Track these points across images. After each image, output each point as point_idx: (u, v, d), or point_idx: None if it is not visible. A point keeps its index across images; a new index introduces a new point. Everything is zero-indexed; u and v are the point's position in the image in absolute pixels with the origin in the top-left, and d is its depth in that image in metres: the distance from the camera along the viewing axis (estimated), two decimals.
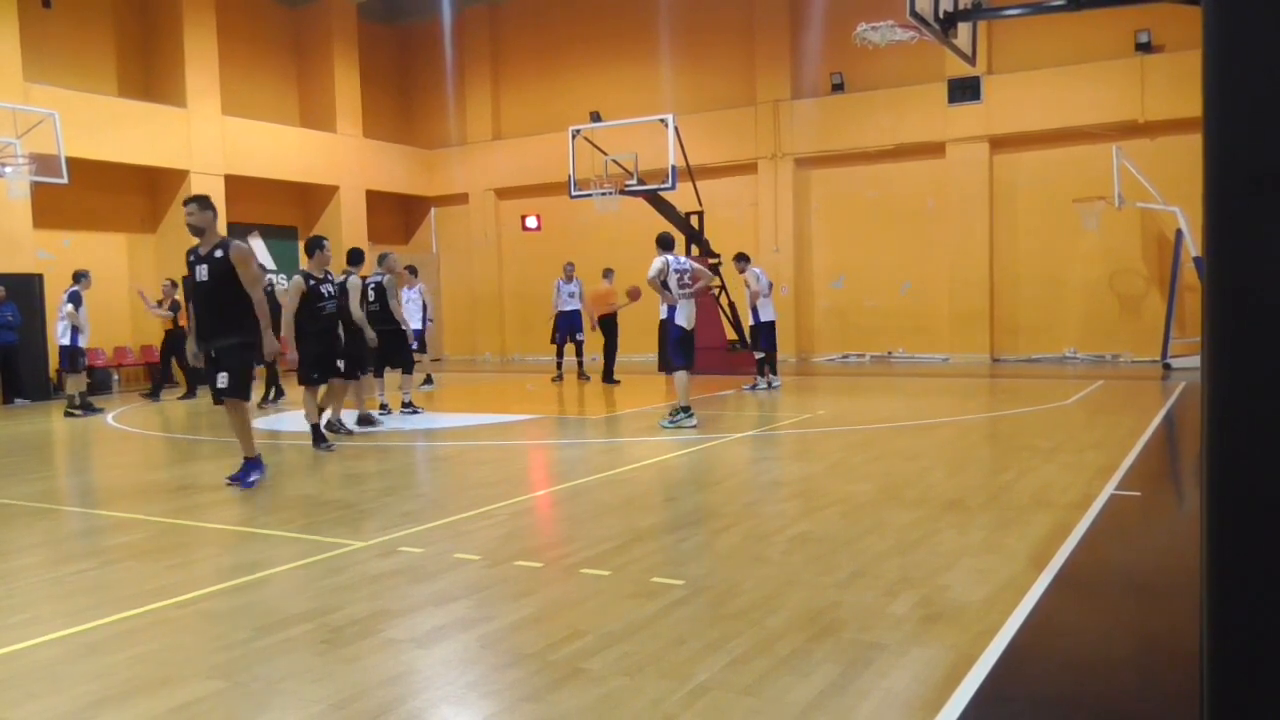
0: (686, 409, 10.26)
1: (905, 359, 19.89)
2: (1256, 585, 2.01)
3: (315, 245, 9.58)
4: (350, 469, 8.40)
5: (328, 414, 10.07)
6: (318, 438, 9.35)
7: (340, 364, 9.66)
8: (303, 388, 9.44)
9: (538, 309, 23.08)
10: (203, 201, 7.36)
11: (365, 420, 11.09)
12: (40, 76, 17.07)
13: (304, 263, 9.96)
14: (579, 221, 21.58)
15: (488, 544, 5.53)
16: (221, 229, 19.19)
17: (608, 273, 16.54)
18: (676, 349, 10.37)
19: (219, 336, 7.27)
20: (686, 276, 10.37)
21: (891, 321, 20.14)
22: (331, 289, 9.54)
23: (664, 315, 10.52)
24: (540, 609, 4.34)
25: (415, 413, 12.02)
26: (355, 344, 10.56)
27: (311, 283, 9.33)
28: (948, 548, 5.16)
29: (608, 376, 16.05)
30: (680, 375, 10.33)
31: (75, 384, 13.88)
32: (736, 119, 21.16)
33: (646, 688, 3.38)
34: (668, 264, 10.25)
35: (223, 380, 7.27)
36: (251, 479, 7.43)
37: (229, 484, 7.44)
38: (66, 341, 13.92)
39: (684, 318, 10.32)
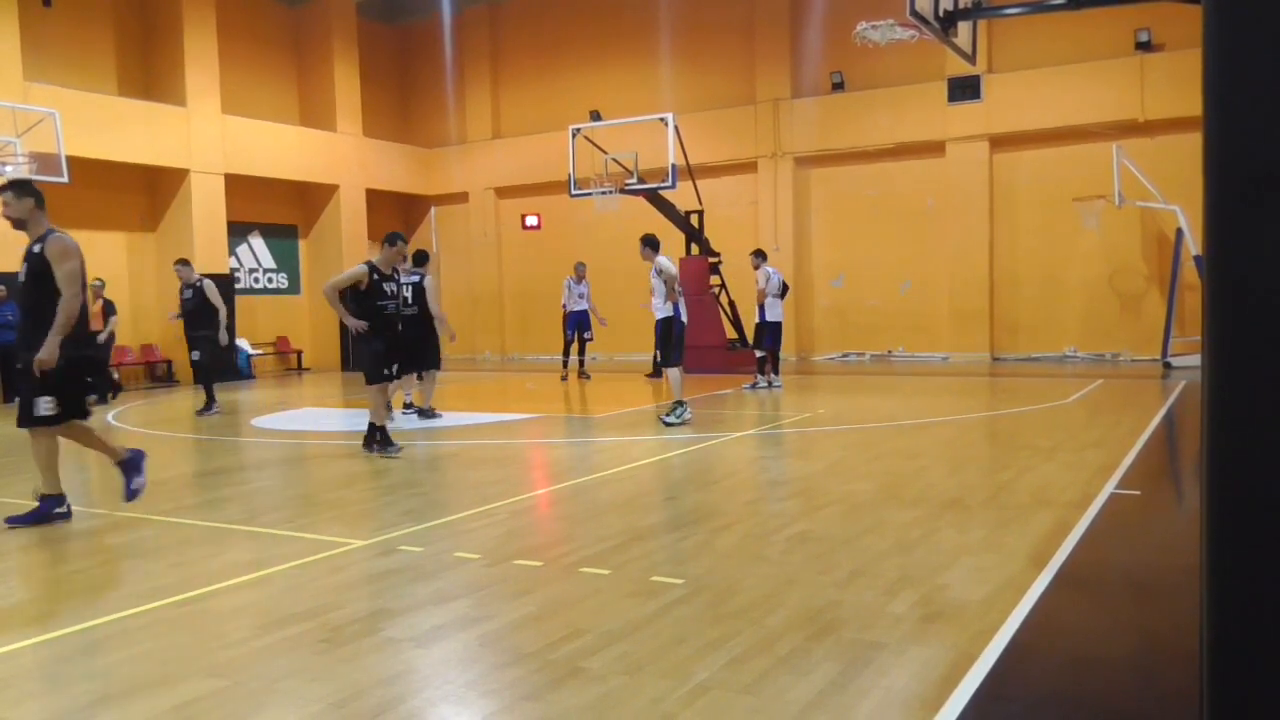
0: (681, 401, 10.53)
1: (905, 358, 19.87)
2: (1256, 585, 2.01)
3: (390, 240, 9.11)
4: (350, 468, 8.40)
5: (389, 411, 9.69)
6: (373, 437, 8.94)
7: (392, 368, 9.09)
8: (372, 386, 8.97)
9: (538, 308, 23.14)
10: (20, 188, 6.11)
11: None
12: (40, 75, 17.06)
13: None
14: (579, 220, 21.59)
15: (487, 543, 5.53)
16: (221, 228, 19.76)
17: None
18: (679, 345, 10.73)
19: (36, 348, 6.01)
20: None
21: (891, 320, 20.13)
22: (394, 288, 9.09)
23: (669, 313, 10.66)
24: (540, 608, 4.34)
25: (416, 412, 12.03)
26: (418, 340, 10.78)
27: (375, 276, 8.86)
28: (947, 547, 5.16)
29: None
30: (676, 371, 10.68)
31: None
32: (736, 118, 21.14)
33: (646, 686, 3.38)
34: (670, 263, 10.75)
35: (47, 406, 6.09)
36: (40, 514, 6.31)
37: (8, 526, 6.20)
38: None
39: (685, 315, 10.80)
